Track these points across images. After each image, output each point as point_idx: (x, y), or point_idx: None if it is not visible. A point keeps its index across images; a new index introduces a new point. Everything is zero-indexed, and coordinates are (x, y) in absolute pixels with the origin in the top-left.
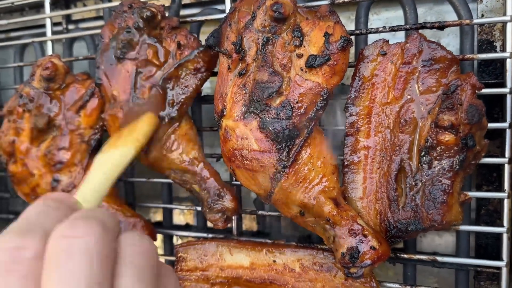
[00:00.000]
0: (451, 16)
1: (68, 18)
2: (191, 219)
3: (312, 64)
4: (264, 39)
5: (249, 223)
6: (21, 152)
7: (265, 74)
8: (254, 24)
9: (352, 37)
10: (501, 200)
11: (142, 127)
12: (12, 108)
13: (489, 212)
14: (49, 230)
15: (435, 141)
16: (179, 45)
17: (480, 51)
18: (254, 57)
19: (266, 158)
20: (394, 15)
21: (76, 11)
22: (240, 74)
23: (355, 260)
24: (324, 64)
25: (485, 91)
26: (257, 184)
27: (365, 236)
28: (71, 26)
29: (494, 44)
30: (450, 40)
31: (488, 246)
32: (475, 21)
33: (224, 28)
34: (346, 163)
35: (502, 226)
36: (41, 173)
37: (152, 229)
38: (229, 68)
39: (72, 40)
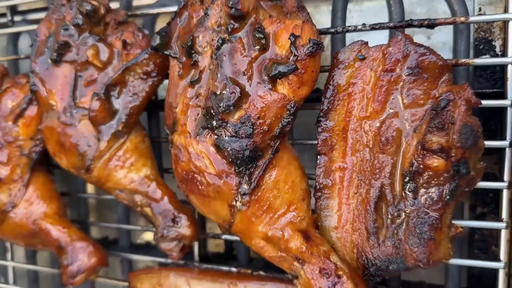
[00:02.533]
0: (444, 7)
1: (13, 9)
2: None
3: (275, 75)
4: (220, 41)
5: (214, 243)
6: None
7: (221, 83)
8: (208, 22)
9: (327, 37)
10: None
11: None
12: None
13: (484, 237)
14: None
15: (421, 166)
16: (124, 44)
17: (477, 52)
18: (208, 62)
19: (224, 183)
20: (379, 4)
21: (21, 2)
22: (192, 82)
23: None
24: (290, 74)
25: (483, 103)
26: (214, 213)
27: (339, 277)
28: (17, 18)
29: (493, 43)
30: (442, 37)
31: (482, 276)
32: (471, 19)
33: (174, 26)
34: (318, 186)
35: (498, 259)
36: None
37: (102, 254)
38: (179, 74)
39: (18, 34)
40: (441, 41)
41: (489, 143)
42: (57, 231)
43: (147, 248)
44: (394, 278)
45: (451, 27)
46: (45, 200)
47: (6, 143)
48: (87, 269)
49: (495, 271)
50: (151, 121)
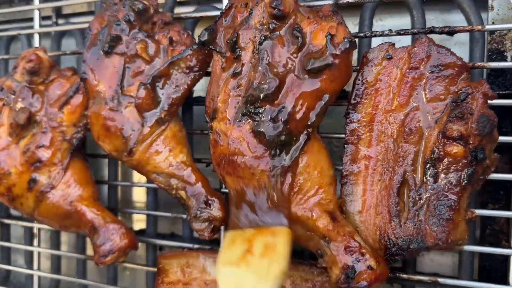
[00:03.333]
0: (459, 24)
1: (58, 12)
2: (177, 229)
3: (312, 68)
4: (262, 38)
5: None
6: None
7: (261, 75)
8: (252, 21)
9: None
10: (508, 220)
11: (284, 251)
12: None
13: (495, 232)
14: None
15: (442, 153)
16: (171, 41)
17: (490, 61)
18: (250, 57)
19: (259, 165)
20: (399, 23)
21: (66, 3)
22: (234, 74)
23: (350, 280)
24: (325, 68)
25: (496, 101)
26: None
27: (362, 254)
28: (61, 21)
29: (505, 54)
30: (457, 50)
31: (492, 269)
32: (487, 27)
33: (219, 24)
34: (345, 173)
35: (509, 247)
36: (19, 171)
37: (132, 236)
38: (222, 67)
39: (61, 35)
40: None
41: (502, 138)
42: (91, 213)
43: (173, 237)
44: (410, 266)
45: (466, 42)
46: (81, 184)
47: (50, 128)
48: (118, 249)
49: (504, 265)
50: (185, 115)
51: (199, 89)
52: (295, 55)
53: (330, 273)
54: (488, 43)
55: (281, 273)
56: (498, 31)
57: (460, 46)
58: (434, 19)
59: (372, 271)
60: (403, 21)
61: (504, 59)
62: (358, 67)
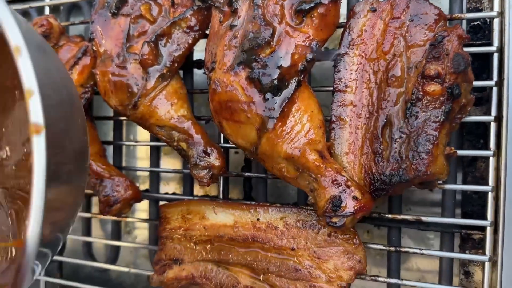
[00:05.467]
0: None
1: None
2: (178, 189)
3: (301, 8)
4: None
5: (235, 189)
6: None
7: (256, 25)
8: None
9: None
10: (487, 163)
11: None
12: None
13: (476, 178)
14: None
15: (421, 92)
16: (172, 3)
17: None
18: (246, 9)
19: (254, 109)
20: None
21: None
22: (232, 26)
23: (337, 208)
24: (315, 8)
25: (472, 49)
26: (243, 137)
27: (348, 186)
28: None
29: (484, 12)
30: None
31: (474, 214)
32: None
33: None
34: (333, 119)
35: (487, 184)
36: None
37: (136, 189)
38: (220, 21)
39: (70, 10)
40: None
41: (478, 83)
42: (98, 167)
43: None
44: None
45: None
46: (89, 142)
47: None
48: (123, 200)
49: (484, 209)
50: (186, 77)
51: (199, 50)
52: (288, 4)
53: (318, 205)
54: (467, 2)
55: None
56: None
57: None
58: None
59: (357, 201)
60: None
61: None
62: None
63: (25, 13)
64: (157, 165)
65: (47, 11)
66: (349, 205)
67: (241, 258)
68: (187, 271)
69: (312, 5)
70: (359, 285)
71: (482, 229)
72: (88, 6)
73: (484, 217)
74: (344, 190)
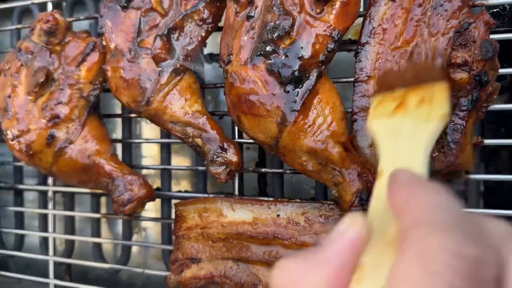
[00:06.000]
0: None
1: None
2: (189, 187)
3: None
4: None
5: (251, 186)
6: (17, 107)
7: (274, 15)
8: None
9: None
10: (509, 153)
11: (444, 97)
12: (10, 63)
13: (497, 168)
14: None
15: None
16: None
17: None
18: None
19: (275, 102)
20: None
21: None
22: (248, 17)
23: (364, 202)
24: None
25: (498, 36)
26: (263, 131)
27: (374, 179)
28: None
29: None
30: None
31: (496, 204)
32: None
33: None
34: (355, 110)
35: None
36: (37, 128)
37: (150, 187)
38: (236, 12)
39: (73, 5)
40: None
41: (502, 71)
42: (109, 166)
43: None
44: None
45: None
46: (98, 140)
47: (68, 85)
48: (137, 199)
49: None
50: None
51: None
52: None
53: (344, 199)
54: None
55: (443, 115)
56: None
57: None
58: None
59: None
60: None
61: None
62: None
63: (27, 10)
64: (168, 163)
65: (50, 7)
66: None
67: (261, 255)
68: (206, 270)
69: None
70: None
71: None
72: (92, 2)
73: (508, 208)
74: (370, 182)
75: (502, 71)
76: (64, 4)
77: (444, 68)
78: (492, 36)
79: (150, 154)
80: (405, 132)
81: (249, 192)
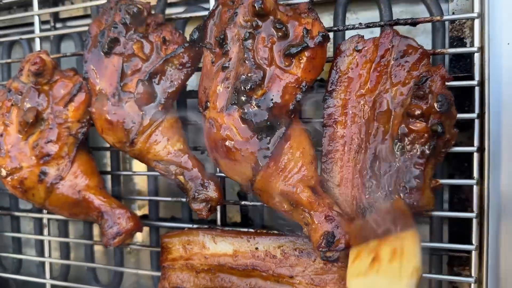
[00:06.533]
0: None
1: (56, 17)
2: (177, 213)
3: (290, 52)
4: (246, 34)
5: (232, 214)
6: (9, 145)
7: (247, 68)
8: (237, 20)
9: (331, 34)
10: (471, 188)
11: (413, 250)
12: (1, 102)
13: (461, 200)
14: None
15: (407, 129)
16: (164, 41)
17: (452, 47)
18: (237, 51)
19: (248, 148)
20: (372, 15)
21: (64, 9)
22: (223, 68)
23: (330, 244)
24: (302, 51)
25: (455, 83)
26: (239, 174)
27: (341, 222)
28: (59, 25)
29: (465, 41)
30: (423, 40)
31: (460, 233)
32: (445, 17)
33: (208, 23)
34: (324, 152)
35: (471, 211)
36: (29, 165)
37: (137, 219)
38: (212, 62)
39: (60, 38)
40: (421, 43)
41: (461, 115)
42: (98, 200)
43: (174, 220)
44: None
45: (430, 30)
46: (87, 175)
47: (56, 124)
48: (125, 231)
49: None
50: (180, 107)
51: (192, 82)
52: (277, 48)
53: (313, 240)
54: (449, 31)
55: (414, 270)
56: (458, 20)
57: (426, 35)
58: (403, 11)
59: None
60: (376, 13)
61: (463, 45)
62: (332, 58)
63: (14, 43)
64: (156, 194)
65: (37, 42)
66: (342, 241)
67: (242, 286)
68: None
69: (299, 49)
70: None
71: (468, 251)
72: (78, 37)
73: (469, 239)
74: (336, 225)
75: (463, 116)
76: (51, 36)
77: (409, 216)
78: (453, 83)
79: (140, 179)
80: None
81: (233, 215)
